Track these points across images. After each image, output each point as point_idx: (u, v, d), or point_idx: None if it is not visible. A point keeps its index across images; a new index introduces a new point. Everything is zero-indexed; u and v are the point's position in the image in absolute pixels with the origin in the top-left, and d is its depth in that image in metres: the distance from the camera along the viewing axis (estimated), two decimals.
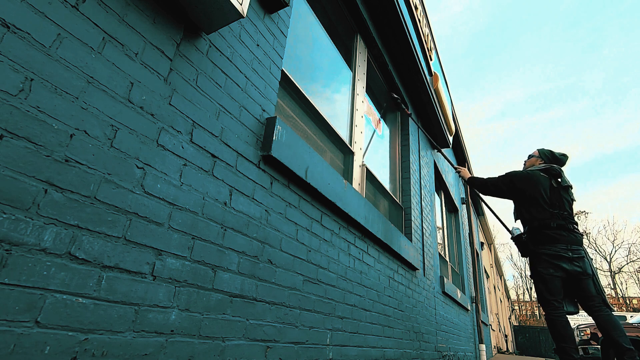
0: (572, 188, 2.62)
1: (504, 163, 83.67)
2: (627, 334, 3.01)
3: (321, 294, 1.78)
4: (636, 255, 31.62)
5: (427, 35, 4.31)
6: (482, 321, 7.17)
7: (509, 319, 23.56)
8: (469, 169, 7.89)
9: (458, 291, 5.11)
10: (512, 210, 2.77)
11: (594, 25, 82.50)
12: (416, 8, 3.83)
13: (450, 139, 5.34)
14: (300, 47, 2.33)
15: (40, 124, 0.80)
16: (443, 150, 5.71)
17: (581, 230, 2.61)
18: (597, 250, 33.04)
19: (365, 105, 3.11)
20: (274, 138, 1.52)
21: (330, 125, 2.41)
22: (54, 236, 0.79)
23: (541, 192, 2.52)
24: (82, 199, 0.86)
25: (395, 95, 3.67)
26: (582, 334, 6.10)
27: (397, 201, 3.62)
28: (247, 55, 1.53)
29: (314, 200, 1.85)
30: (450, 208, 6.82)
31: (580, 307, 2.48)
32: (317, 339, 1.70)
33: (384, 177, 3.53)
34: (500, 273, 20.52)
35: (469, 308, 6.10)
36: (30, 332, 0.73)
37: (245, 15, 1.24)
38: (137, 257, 0.96)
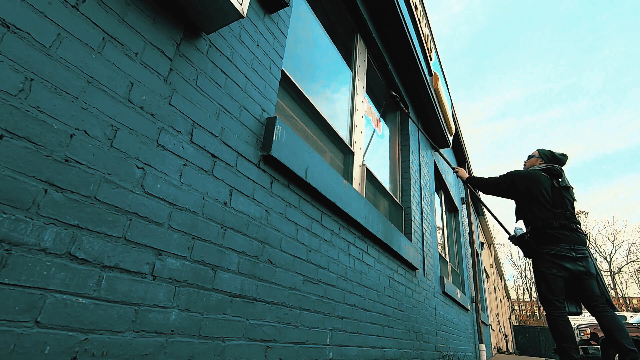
0: (572, 188, 2.62)
1: (504, 163, 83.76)
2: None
3: (321, 294, 1.78)
4: (636, 255, 31.65)
5: (427, 35, 4.31)
6: (482, 321, 7.17)
7: (509, 319, 23.56)
8: (468, 169, 7.89)
9: (458, 291, 5.11)
10: (514, 211, 2.77)
11: (594, 25, 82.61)
12: (416, 8, 3.83)
13: (450, 139, 5.34)
14: (300, 47, 2.33)
15: (40, 124, 0.80)
16: (443, 150, 5.72)
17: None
18: (597, 250, 33.06)
19: (365, 105, 3.11)
20: (274, 138, 1.52)
21: (330, 125, 2.41)
22: (54, 236, 0.79)
23: (542, 191, 2.51)
24: (82, 199, 0.86)
25: (394, 94, 3.67)
26: (582, 334, 6.11)
27: (397, 201, 3.62)
28: (247, 55, 1.53)
29: (314, 200, 1.85)
30: (450, 208, 6.82)
31: (583, 307, 2.47)
32: (317, 339, 1.70)
33: (384, 177, 3.53)
34: (500, 273, 20.52)
35: (469, 308, 6.10)
36: (30, 332, 0.73)
37: (245, 15, 1.25)
38: (137, 257, 0.96)
